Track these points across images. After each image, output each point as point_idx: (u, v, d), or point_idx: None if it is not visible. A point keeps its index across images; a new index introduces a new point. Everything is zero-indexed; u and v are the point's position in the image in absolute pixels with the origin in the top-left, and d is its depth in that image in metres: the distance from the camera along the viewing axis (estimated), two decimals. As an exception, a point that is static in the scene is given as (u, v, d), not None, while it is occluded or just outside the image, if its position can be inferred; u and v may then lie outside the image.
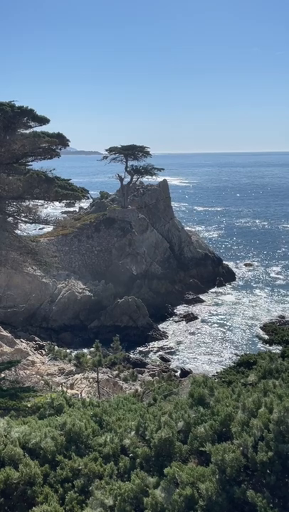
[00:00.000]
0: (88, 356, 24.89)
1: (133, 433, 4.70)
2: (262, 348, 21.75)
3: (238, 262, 63.98)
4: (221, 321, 43.83)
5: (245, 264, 62.71)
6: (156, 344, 39.37)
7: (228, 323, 43.35)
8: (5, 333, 31.10)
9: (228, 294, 51.72)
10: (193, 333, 41.37)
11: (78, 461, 4.53)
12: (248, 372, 9.10)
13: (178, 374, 31.72)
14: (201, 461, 4.15)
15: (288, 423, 3.86)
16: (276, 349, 14.79)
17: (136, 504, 3.86)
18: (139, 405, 6.19)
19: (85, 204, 58.02)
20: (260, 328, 38.99)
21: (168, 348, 38.72)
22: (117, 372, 26.12)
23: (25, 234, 25.71)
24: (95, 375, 21.78)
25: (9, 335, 31.08)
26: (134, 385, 23.98)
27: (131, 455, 4.48)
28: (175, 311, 46.23)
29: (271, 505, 3.54)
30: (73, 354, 27.36)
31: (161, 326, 42.42)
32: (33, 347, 32.77)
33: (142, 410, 5.28)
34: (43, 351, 31.38)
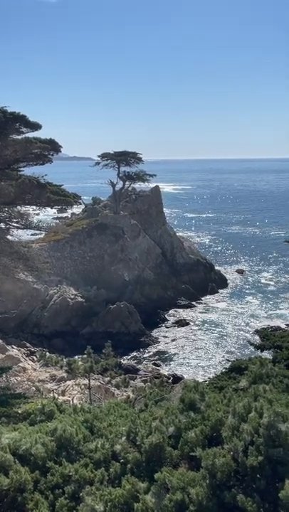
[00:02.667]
0: (80, 362, 24.78)
1: (124, 438, 4.70)
2: (254, 354, 21.81)
3: (230, 268, 64.20)
4: (213, 327, 43.88)
5: (237, 271, 62.93)
6: (148, 350, 39.30)
7: (220, 329, 43.41)
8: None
9: (220, 300, 51.84)
10: (185, 339, 41.35)
11: (69, 467, 4.51)
12: (239, 378, 9.14)
13: (170, 380, 31.66)
14: (192, 466, 4.15)
15: (278, 428, 3.88)
16: (268, 354, 14.87)
17: (126, 510, 3.86)
18: (131, 411, 6.19)
19: (77, 210, 58.00)
20: (252, 333, 39.09)
21: (160, 354, 38.67)
22: (108, 378, 25.99)
23: (16, 240, 25.63)
24: (86, 381, 21.70)
25: (0, 341, 30.88)
26: (126, 391, 23.92)
27: (122, 461, 4.48)
28: (167, 317, 46.22)
29: (261, 509, 3.55)
30: (65, 360, 27.22)
31: (153, 332, 42.36)
32: (24, 353, 32.58)
33: (133, 416, 5.27)
34: (35, 357, 31.20)
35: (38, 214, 23.40)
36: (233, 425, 4.20)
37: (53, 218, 65.90)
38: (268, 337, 15.57)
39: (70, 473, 4.44)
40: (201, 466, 3.94)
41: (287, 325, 41.86)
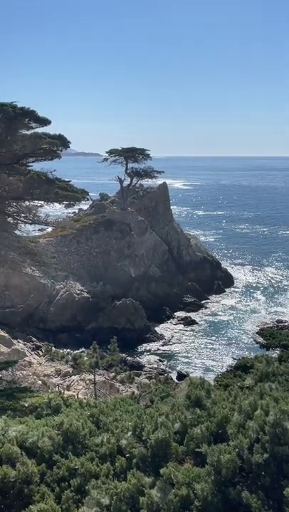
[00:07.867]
0: (85, 358, 24.89)
1: (130, 433, 4.73)
2: (259, 353, 21.78)
3: (236, 266, 64.05)
4: (219, 325, 43.84)
5: (244, 269, 62.80)
6: (153, 347, 39.35)
7: (226, 327, 43.36)
8: (2, 333, 31.10)
9: (227, 298, 51.76)
10: (190, 337, 41.37)
11: (75, 460, 4.56)
12: (244, 376, 9.14)
13: (174, 377, 31.71)
14: (197, 462, 4.18)
15: (284, 426, 3.89)
16: (274, 353, 14.85)
17: (132, 504, 3.89)
18: (136, 406, 6.22)
19: (84, 205, 58.05)
20: (258, 332, 39.02)
21: (165, 351, 38.72)
22: (113, 374, 26.12)
23: (24, 234, 25.75)
24: (91, 376, 21.81)
25: (6, 335, 31.07)
26: (130, 387, 24.01)
27: (127, 455, 4.51)
28: (173, 314, 46.22)
29: (266, 506, 3.58)
30: (70, 355, 27.38)
31: (158, 329, 42.41)
32: (30, 348, 32.76)
33: (139, 411, 5.31)
34: (40, 352, 31.37)
35: (46, 208, 23.41)
36: (239, 422, 4.22)
37: (61, 214, 65.88)
38: (274, 336, 15.56)
39: (76, 467, 4.48)
40: (206, 463, 3.97)
41: (293, 324, 41.74)
